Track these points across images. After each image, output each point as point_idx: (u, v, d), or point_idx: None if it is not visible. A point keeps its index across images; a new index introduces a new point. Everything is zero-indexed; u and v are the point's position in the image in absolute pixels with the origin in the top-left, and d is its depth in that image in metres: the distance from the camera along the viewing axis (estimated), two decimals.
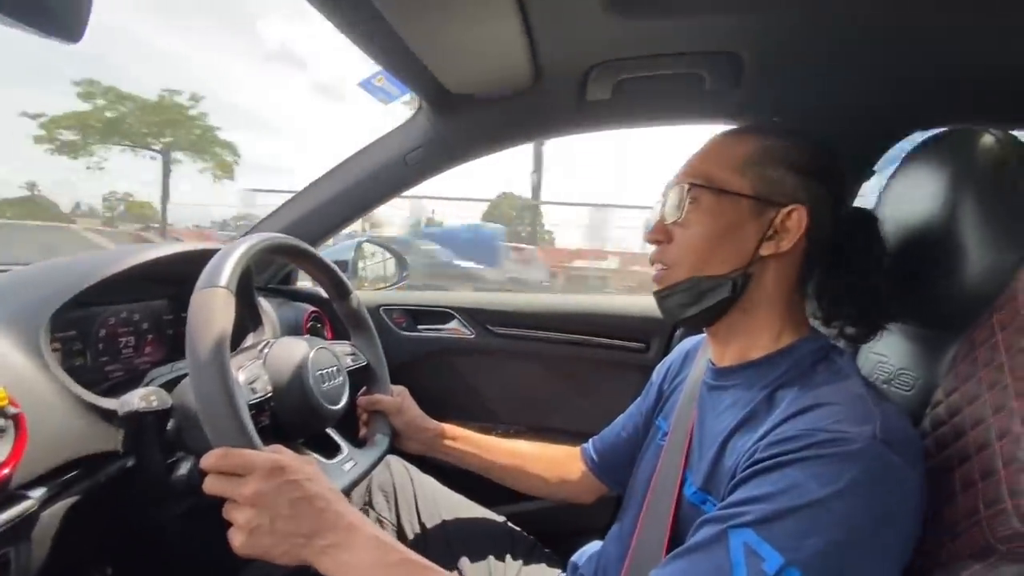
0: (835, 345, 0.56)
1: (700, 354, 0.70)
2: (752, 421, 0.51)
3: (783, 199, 0.54)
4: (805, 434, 0.43)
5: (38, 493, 0.54)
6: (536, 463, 0.85)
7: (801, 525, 0.39)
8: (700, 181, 0.56)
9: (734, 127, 0.61)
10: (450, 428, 0.87)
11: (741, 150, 0.56)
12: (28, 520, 0.53)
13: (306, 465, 0.53)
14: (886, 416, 0.44)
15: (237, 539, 0.50)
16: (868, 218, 0.60)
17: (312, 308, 1.15)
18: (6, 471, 0.49)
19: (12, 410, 0.50)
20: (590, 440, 0.86)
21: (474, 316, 1.29)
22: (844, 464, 0.41)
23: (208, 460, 0.51)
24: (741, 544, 0.40)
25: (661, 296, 0.60)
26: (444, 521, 0.87)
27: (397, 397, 0.86)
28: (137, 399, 0.62)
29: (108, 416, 0.63)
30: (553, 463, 0.86)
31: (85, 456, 0.60)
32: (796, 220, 0.53)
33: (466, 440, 0.86)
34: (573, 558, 0.79)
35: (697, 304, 0.57)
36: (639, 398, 0.82)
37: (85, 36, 0.44)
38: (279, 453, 0.54)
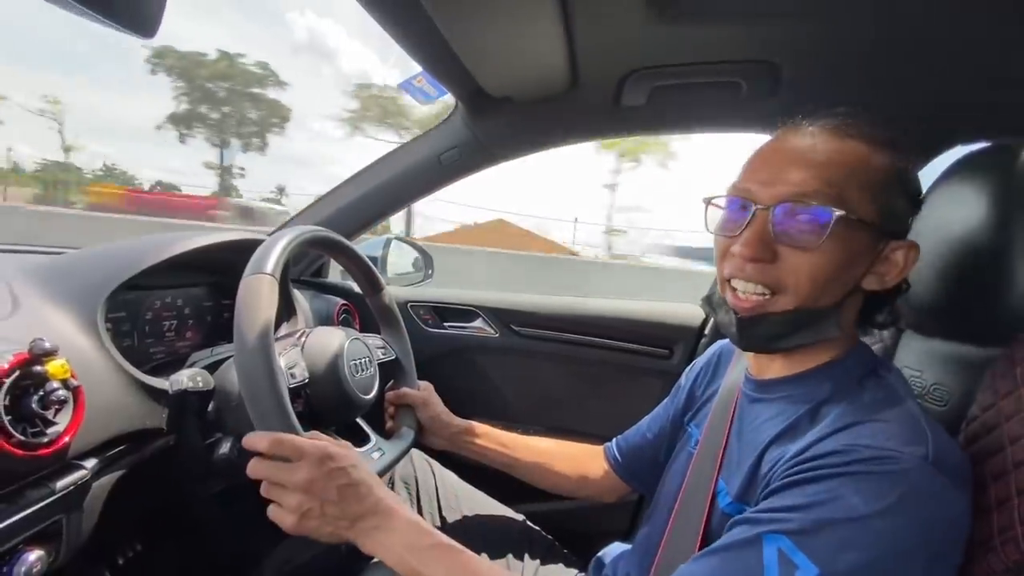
0: (883, 360, 0.54)
1: (734, 362, 0.69)
2: (793, 432, 0.50)
3: (900, 231, 0.50)
4: (851, 448, 0.42)
5: (91, 464, 0.57)
6: (560, 461, 0.85)
7: (840, 539, 0.39)
8: (840, 204, 0.47)
9: (860, 125, 0.51)
10: (474, 424, 0.88)
11: (877, 171, 0.49)
12: (81, 488, 0.56)
13: (349, 452, 0.56)
14: (938, 437, 0.43)
15: (288, 520, 0.53)
16: None
17: (343, 301, 1.18)
18: (66, 439, 0.52)
19: (73, 383, 0.53)
20: (614, 440, 0.87)
21: (499, 316, 1.31)
22: (891, 483, 0.40)
23: (259, 444, 0.54)
24: (775, 550, 0.40)
25: (752, 323, 0.52)
26: (464, 516, 0.89)
27: (423, 392, 0.88)
28: (186, 378, 0.65)
29: (155, 394, 0.65)
30: (576, 461, 0.86)
31: (133, 431, 0.63)
32: (903, 255, 0.50)
33: (490, 436, 0.87)
34: (599, 555, 0.79)
35: (793, 336, 0.51)
36: (666, 400, 0.82)
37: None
38: (320, 439, 0.56)
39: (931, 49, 0.71)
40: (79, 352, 0.58)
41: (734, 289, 0.53)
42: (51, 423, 0.51)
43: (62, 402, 0.51)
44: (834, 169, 0.48)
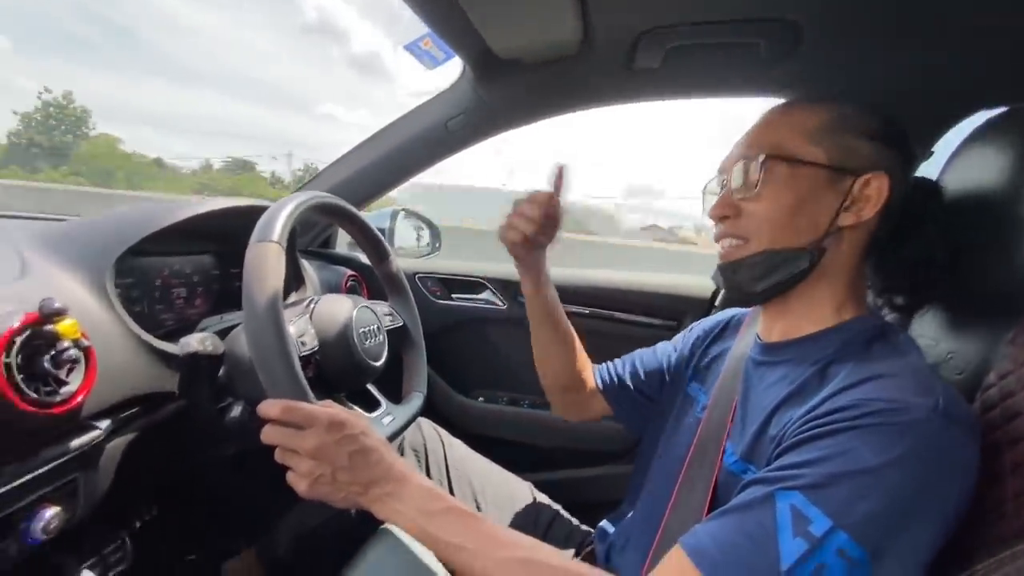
0: (891, 325, 0.55)
1: (745, 328, 0.69)
2: (802, 394, 0.50)
3: (861, 167, 0.53)
4: (862, 402, 0.43)
5: (104, 424, 0.58)
6: (579, 358, 0.85)
7: (852, 491, 0.39)
8: (772, 152, 0.54)
9: (796, 100, 0.59)
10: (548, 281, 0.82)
11: (812, 119, 0.54)
12: (96, 448, 0.57)
13: (360, 419, 0.56)
14: (947, 390, 0.44)
15: (301, 485, 0.53)
16: (933, 189, 0.59)
17: (350, 272, 1.18)
18: (80, 398, 0.52)
19: (84, 343, 0.53)
20: (604, 364, 0.87)
21: (506, 287, 1.30)
22: (901, 434, 0.40)
23: (271, 411, 0.54)
24: (788, 506, 0.40)
25: (731, 269, 0.59)
26: (471, 484, 0.90)
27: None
28: (195, 341, 0.65)
29: (166, 358, 0.66)
30: (582, 363, 0.86)
31: (145, 394, 0.64)
32: (876, 188, 0.52)
33: (552, 297, 0.83)
34: (602, 524, 0.80)
35: (768, 277, 0.56)
36: (665, 343, 0.83)
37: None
38: (331, 407, 0.56)
39: (956, 10, 0.68)
40: (89, 314, 0.58)
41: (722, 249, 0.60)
42: (64, 382, 0.51)
43: (74, 361, 0.52)
44: (772, 129, 0.57)
